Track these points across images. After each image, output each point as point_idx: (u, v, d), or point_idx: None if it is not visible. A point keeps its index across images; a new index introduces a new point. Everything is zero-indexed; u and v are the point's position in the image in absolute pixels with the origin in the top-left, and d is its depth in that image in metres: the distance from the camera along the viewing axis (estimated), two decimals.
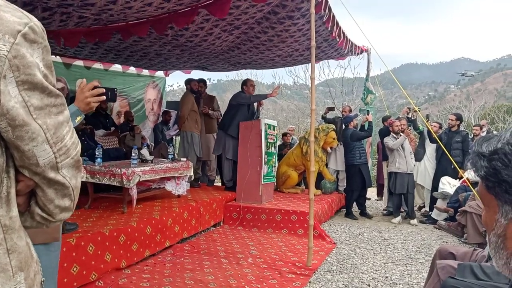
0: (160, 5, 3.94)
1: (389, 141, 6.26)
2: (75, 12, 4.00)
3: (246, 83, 6.04)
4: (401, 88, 6.50)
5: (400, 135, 6.18)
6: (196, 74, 7.78)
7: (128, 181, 4.05)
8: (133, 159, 4.46)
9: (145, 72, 8.67)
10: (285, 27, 5.07)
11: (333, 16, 4.94)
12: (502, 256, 0.74)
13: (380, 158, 7.67)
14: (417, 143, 7.25)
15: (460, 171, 5.75)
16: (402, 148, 6.16)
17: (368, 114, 6.72)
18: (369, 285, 3.48)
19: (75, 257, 2.96)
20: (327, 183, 6.73)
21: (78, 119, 1.73)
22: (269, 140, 5.75)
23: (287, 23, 4.94)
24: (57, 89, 0.75)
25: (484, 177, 0.73)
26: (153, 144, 7.50)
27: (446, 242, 5.14)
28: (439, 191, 6.19)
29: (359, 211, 6.71)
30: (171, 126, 7.79)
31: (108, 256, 3.29)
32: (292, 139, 8.71)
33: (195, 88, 6.50)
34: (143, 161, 4.75)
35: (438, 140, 5.91)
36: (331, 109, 7.79)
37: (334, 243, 4.77)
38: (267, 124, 5.76)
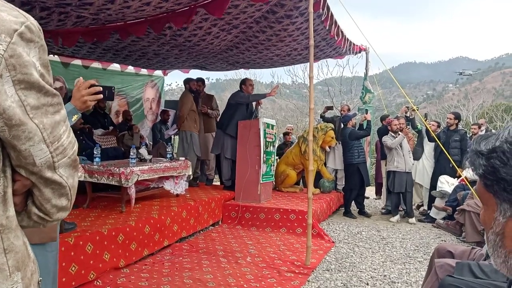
0: (159, 4, 3.93)
1: (387, 140, 6.26)
2: (73, 11, 3.99)
3: (244, 82, 6.03)
4: (400, 87, 6.51)
5: (399, 134, 6.19)
6: (195, 73, 7.77)
7: (126, 181, 4.04)
8: (132, 158, 4.45)
9: (144, 71, 8.65)
10: (283, 26, 5.07)
11: (332, 15, 4.93)
12: (500, 254, 0.74)
13: (378, 157, 7.67)
14: (416, 142, 7.26)
15: (459, 170, 5.76)
16: (401, 147, 6.17)
17: (366, 113, 6.73)
18: (367, 284, 3.48)
19: (74, 257, 2.96)
20: (325, 182, 6.73)
21: (75, 117, 1.71)
22: (267, 139, 5.74)
23: (285, 22, 4.94)
24: (55, 88, 0.75)
25: (483, 175, 0.73)
26: (151, 143, 7.50)
27: (445, 241, 5.15)
28: (437, 189, 6.19)
29: (358, 210, 6.72)
30: (170, 125, 7.78)
31: (106, 256, 3.29)
32: (291, 138, 8.72)
33: (194, 88, 6.49)
34: (141, 160, 4.75)
35: (437, 139, 5.91)
36: (329, 108, 7.79)
37: (333, 242, 4.77)
38: (266, 123, 5.75)
